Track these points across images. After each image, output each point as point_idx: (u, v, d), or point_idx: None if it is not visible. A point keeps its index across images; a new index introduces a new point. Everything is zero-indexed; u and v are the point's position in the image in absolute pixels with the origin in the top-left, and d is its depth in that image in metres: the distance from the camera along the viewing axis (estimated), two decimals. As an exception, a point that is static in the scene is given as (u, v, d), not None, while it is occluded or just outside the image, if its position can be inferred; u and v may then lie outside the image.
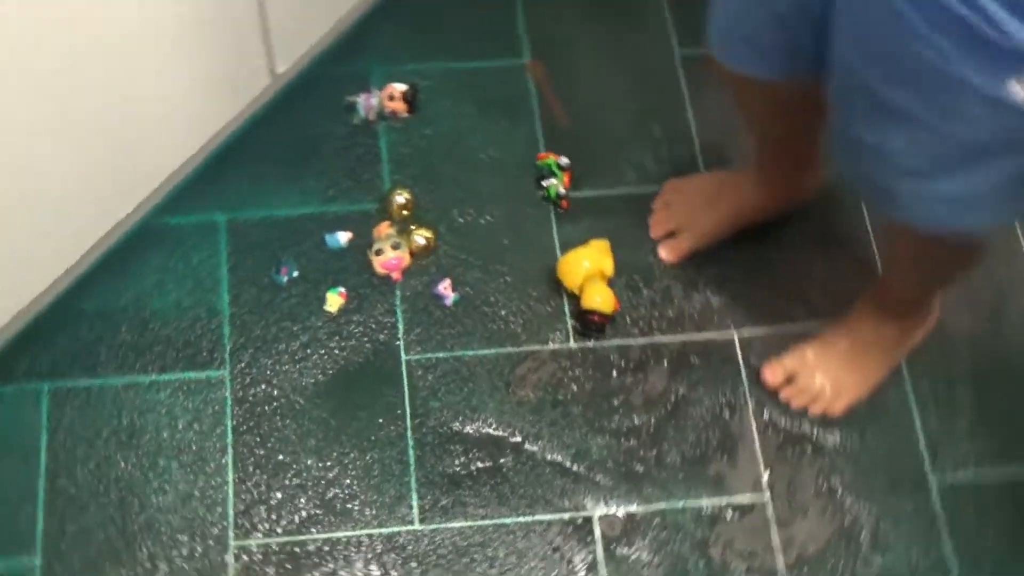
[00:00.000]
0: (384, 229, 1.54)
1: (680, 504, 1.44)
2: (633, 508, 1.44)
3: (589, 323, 1.49)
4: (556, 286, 1.54)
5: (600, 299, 1.48)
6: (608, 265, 1.51)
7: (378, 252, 1.52)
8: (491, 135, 1.63)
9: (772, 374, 1.49)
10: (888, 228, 1.38)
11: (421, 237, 1.54)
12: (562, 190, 1.58)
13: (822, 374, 1.48)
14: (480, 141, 1.62)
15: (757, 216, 1.55)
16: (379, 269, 1.52)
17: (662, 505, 1.44)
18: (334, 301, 1.51)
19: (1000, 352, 1.56)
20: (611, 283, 1.53)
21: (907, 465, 1.49)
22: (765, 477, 1.46)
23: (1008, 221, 1.51)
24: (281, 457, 1.43)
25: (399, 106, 1.62)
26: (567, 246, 1.56)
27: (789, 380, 1.49)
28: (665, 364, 1.52)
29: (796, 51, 1.13)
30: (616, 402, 1.49)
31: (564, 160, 1.59)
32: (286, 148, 1.59)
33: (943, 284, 1.46)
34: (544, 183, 1.59)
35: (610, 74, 1.70)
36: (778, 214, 1.57)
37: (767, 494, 1.45)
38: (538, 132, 1.64)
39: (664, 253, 1.56)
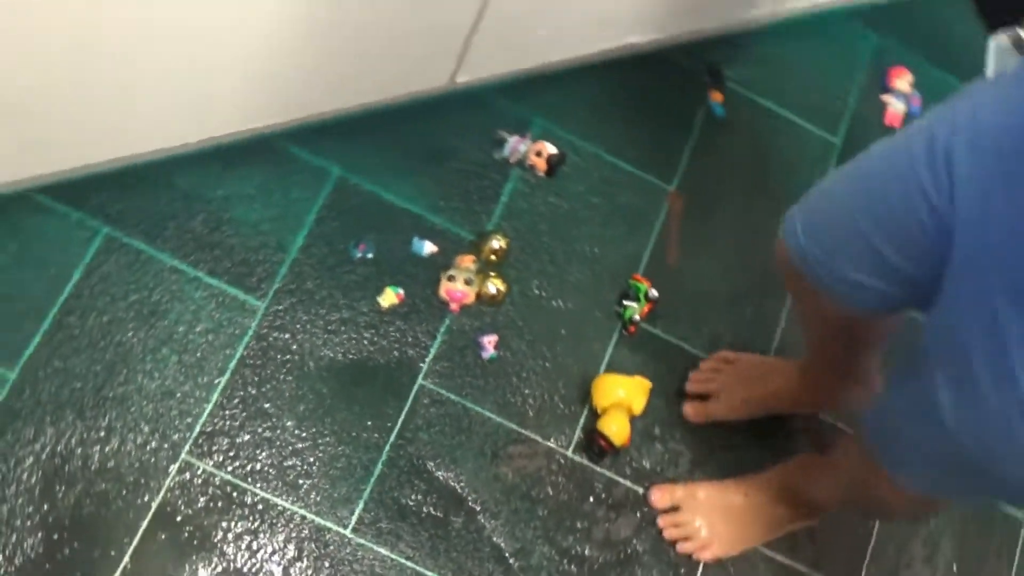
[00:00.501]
0: (466, 261, 1.57)
1: (584, 648, 1.44)
2: (541, 627, 1.44)
3: (595, 444, 1.50)
4: (585, 395, 1.56)
5: (616, 428, 1.50)
6: (639, 404, 1.52)
7: (450, 278, 1.55)
8: (604, 235, 1.66)
9: (659, 497, 1.54)
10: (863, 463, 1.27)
11: (494, 286, 1.56)
12: (637, 317, 1.60)
13: (703, 517, 1.52)
14: (592, 234, 1.65)
15: (791, 408, 1.59)
16: (442, 293, 1.55)
17: (568, 639, 1.44)
18: (389, 297, 1.54)
19: None
20: (633, 421, 1.54)
21: None
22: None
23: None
24: (267, 406, 1.46)
25: (541, 164, 1.66)
26: (613, 366, 1.58)
27: (674, 509, 1.53)
28: (638, 516, 1.53)
29: (886, 292, 1.06)
30: (579, 525, 1.50)
31: (654, 292, 1.62)
32: (424, 145, 1.63)
33: (876, 517, 1.56)
34: (625, 302, 1.61)
35: (737, 242, 1.72)
36: (812, 410, 1.61)
37: None
38: (645, 254, 1.67)
39: (689, 410, 1.58)
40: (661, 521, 1.53)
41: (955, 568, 1.61)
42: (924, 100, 1.87)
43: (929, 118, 1.00)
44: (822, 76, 1.87)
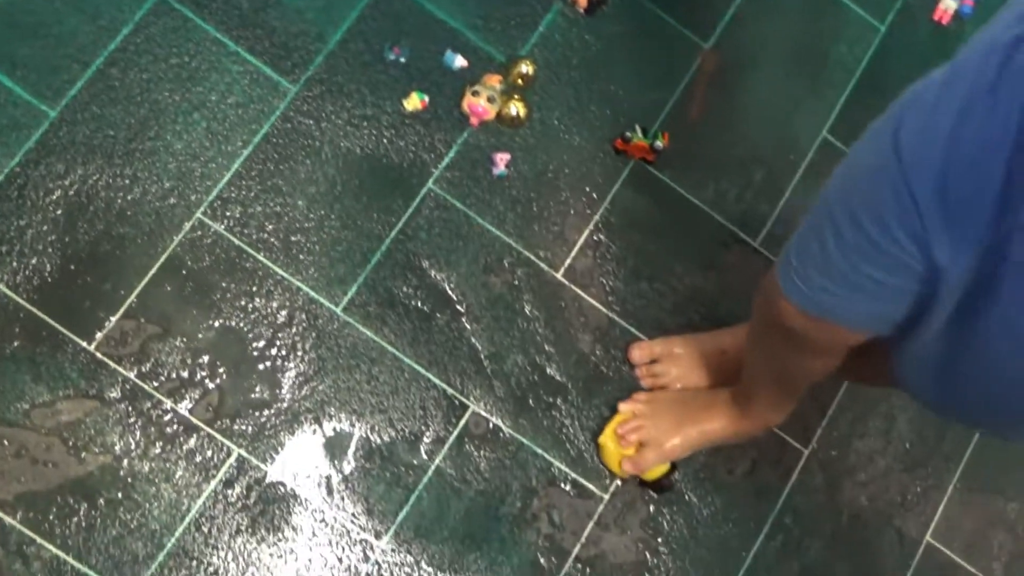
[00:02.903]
0: (493, 80, 1.63)
1: (537, 449, 1.54)
2: (504, 426, 1.54)
3: (651, 490, 1.57)
4: (582, 224, 1.62)
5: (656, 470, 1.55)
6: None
7: (474, 93, 1.61)
8: (631, 79, 1.70)
9: (639, 353, 1.59)
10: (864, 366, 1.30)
11: (515, 108, 1.63)
12: (659, 144, 1.65)
13: (680, 368, 1.57)
14: (619, 77, 1.70)
15: (722, 441, 1.56)
16: (464, 106, 1.61)
17: (525, 441, 1.54)
18: (414, 102, 1.61)
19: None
20: (638, 274, 1.61)
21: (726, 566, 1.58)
22: (612, 483, 1.56)
23: None
24: (282, 183, 1.55)
25: (581, 1, 1.70)
26: (616, 204, 1.64)
27: (652, 363, 1.59)
28: (616, 343, 1.61)
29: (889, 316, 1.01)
30: (555, 343, 1.59)
31: (660, 144, 1.66)
32: (473, -36, 1.68)
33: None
34: (633, 133, 1.65)
35: (761, 110, 1.76)
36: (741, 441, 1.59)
37: (610, 490, 1.55)
38: (668, 104, 1.71)
39: (628, 467, 1.53)
40: (639, 372, 1.60)
41: (907, 447, 1.68)
42: (976, 2, 1.87)
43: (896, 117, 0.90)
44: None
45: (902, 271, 0.93)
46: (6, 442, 1.41)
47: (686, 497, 1.59)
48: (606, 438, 1.54)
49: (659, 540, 1.57)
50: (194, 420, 1.46)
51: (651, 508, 1.57)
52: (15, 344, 1.43)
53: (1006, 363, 0.89)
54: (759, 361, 1.35)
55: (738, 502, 1.60)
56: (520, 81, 1.65)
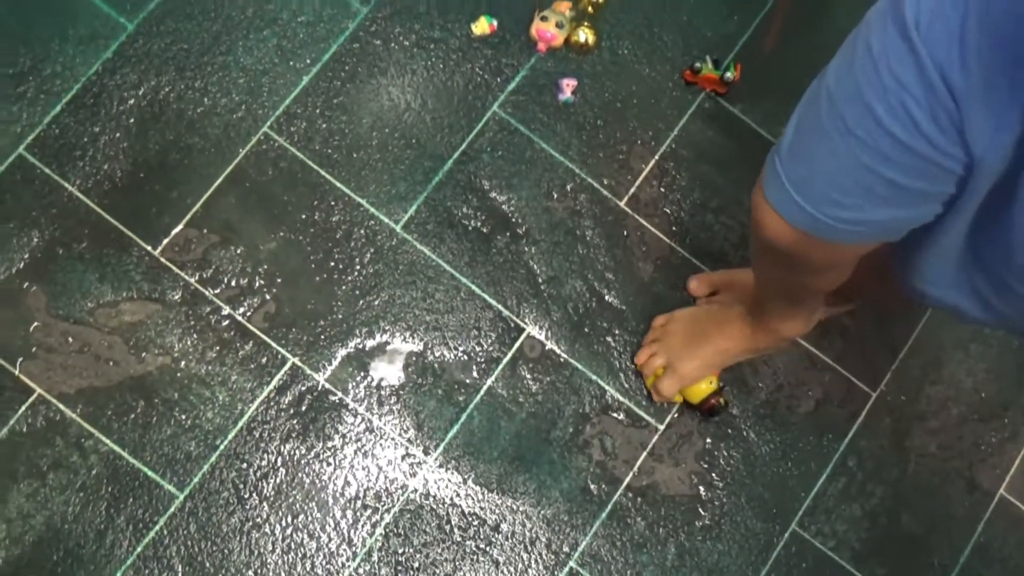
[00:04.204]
0: (564, 6, 1.62)
1: (592, 376, 1.52)
2: (558, 350, 1.52)
3: (707, 410, 1.52)
4: (645, 157, 1.60)
5: (704, 386, 1.50)
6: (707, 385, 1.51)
7: (543, 18, 1.60)
8: (706, 9, 1.67)
9: (697, 285, 1.56)
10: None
11: (585, 35, 1.61)
12: (730, 75, 1.62)
13: (742, 302, 1.46)
14: (694, 6, 1.67)
15: (743, 357, 1.51)
16: (533, 32, 1.61)
17: (580, 367, 1.52)
18: (483, 26, 1.61)
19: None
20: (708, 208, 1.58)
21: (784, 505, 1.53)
22: (668, 414, 1.53)
23: None
24: (347, 101, 1.56)
25: (658, -69, 1.68)
26: (683, 135, 1.61)
27: (713, 294, 1.55)
28: (677, 274, 1.58)
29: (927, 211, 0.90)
30: (615, 270, 1.56)
31: (730, 75, 1.62)
32: None
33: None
34: (703, 63, 1.63)
35: (839, 43, 1.70)
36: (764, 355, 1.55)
37: (666, 421, 1.52)
38: (743, 37, 1.67)
39: (654, 395, 1.52)
40: (699, 304, 1.56)
41: (983, 396, 1.61)
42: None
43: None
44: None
45: (930, 172, 0.83)
46: (71, 338, 1.45)
47: (744, 433, 1.55)
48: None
49: (714, 475, 1.53)
50: (251, 327, 1.48)
51: (707, 442, 1.54)
52: (84, 245, 1.47)
53: None
54: (762, 277, 1.27)
55: (799, 441, 1.56)
56: (591, 8, 1.63)
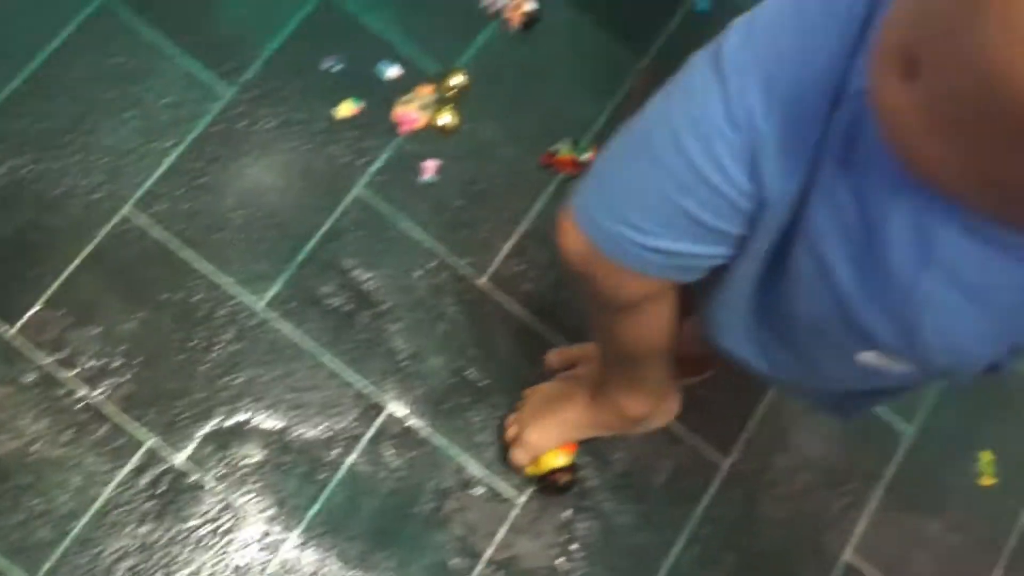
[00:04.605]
0: (426, 90, 1.67)
1: (452, 451, 1.55)
2: (420, 426, 1.55)
3: (552, 484, 1.54)
4: (507, 234, 1.65)
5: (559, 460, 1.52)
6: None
7: (406, 101, 1.65)
8: (564, 95, 1.74)
9: (556, 358, 1.58)
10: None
11: (447, 117, 1.66)
12: (586, 157, 1.68)
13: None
14: (552, 93, 1.73)
15: (588, 432, 1.52)
16: (395, 114, 1.65)
17: (441, 443, 1.55)
18: (346, 109, 1.65)
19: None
20: (553, 286, 1.63)
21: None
22: (527, 488, 1.56)
23: None
24: (210, 181, 1.58)
25: (518, 18, 1.74)
26: (542, 216, 1.66)
27: (571, 366, 1.56)
28: (537, 354, 1.62)
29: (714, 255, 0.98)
30: (476, 348, 1.60)
31: (588, 156, 1.69)
32: (413, -18, 1.73)
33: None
34: (562, 145, 1.69)
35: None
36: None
37: (525, 494, 1.55)
38: (600, 120, 1.74)
39: (512, 463, 1.54)
40: (557, 377, 1.59)
41: (830, 463, 1.68)
42: None
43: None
44: None
45: (724, 209, 0.89)
46: (-81, 422, 1.42)
47: (602, 504, 1.59)
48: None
49: (573, 547, 1.56)
50: (108, 409, 1.47)
51: (566, 514, 1.57)
52: (-65, 327, 1.45)
53: (813, 302, 0.89)
54: (594, 330, 1.28)
55: (655, 511, 1.60)
56: (453, 92, 1.69)
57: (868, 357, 0.90)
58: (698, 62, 0.91)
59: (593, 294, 1.09)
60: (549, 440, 1.51)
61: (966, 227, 0.75)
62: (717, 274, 1.00)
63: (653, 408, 1.42)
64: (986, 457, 1.72)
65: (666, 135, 0.90)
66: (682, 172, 0.89)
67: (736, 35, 0.88)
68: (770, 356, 1.04)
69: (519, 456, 1.51)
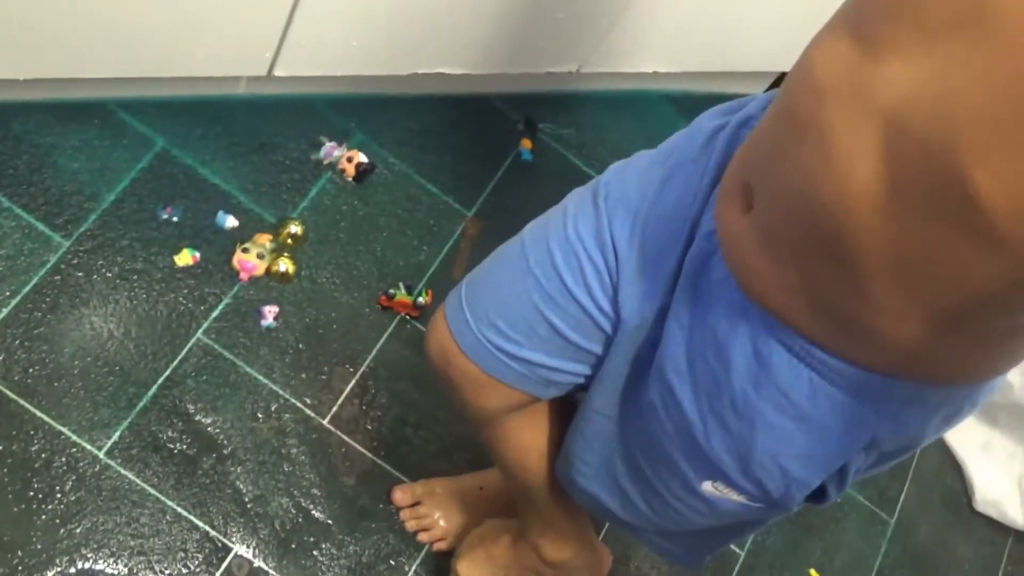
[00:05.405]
0: (264, 239, 1.73)
1: (300, 592, 1.56)
2: (267, 567, 1.55)
3: None
4: (349, 375, 1.70)
5: None
6: None
7: (244, 250, 1.70)
8: (398, 243, 1.83)
9: (401, 496, 1.64)
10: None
11: (284, 265, 1.72)
12: (423, 300, 1.77)
13: (442, 510, 1.62)
14: (386, 241, 1.82)
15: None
16: (235, 262, 1.70)
17: (288, 583, 1.56)
18: (185, 258, 1.68)
19: None
20: (389, 411, 1.68)
21: None
22: (379, 624, 1.57)
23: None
24: (47, 331, 1.58)
25: (351, 170, 1.84)
26: (382, 356, 1.73)
27: (416, 504, 1.63)
28: (380, 490, 1.66)
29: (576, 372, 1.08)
30: (320, 487, 1.63)
31: (423, 300, 1.78)
32: (250, 137, 1.80)
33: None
34: (396, 290, 1.77)
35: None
36: None
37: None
38: (433, 266, 1.84)
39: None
40: (403, 515, 1.64)
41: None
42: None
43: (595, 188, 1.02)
44: (625, 146, 2.09)
45: (584, 325, 0.98)
46: None
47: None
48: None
49: None
50: (-60, 566, 1.42)
51: (415, 648, 1.59)
52: None
53: (662, 429, 0.95)
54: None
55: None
56: (290, 240, 1.75)
57: (710, 488, 0.96)
58: (578, 191, 1.03)
59: (459, 402, 1.16)
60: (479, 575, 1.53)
61: (798, 354, 0.82)
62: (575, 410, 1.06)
63: (572, 556, 1.42)
64: (814, 574, 1.85)
65: (541, 250, 1.00)
66: (549, 285, 0.99)
67: (613, 171, 1.00)
68: (621, 492, 1.07)
69: (448, 543, 1.57)
